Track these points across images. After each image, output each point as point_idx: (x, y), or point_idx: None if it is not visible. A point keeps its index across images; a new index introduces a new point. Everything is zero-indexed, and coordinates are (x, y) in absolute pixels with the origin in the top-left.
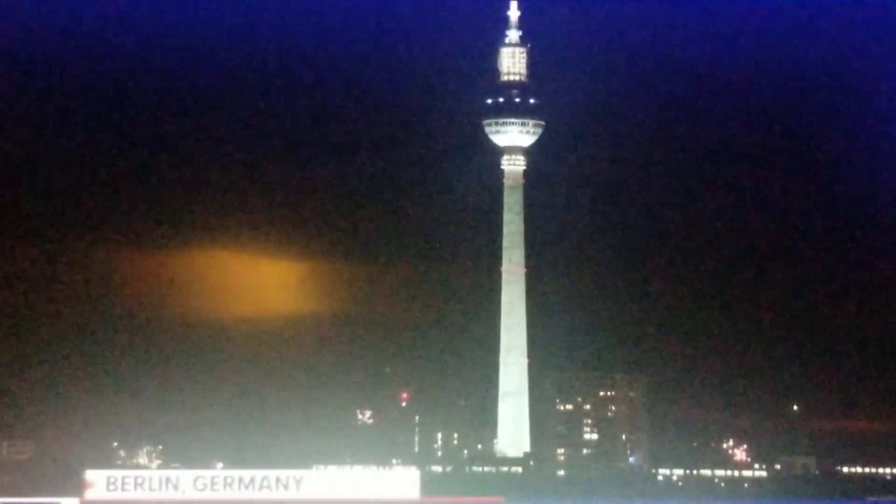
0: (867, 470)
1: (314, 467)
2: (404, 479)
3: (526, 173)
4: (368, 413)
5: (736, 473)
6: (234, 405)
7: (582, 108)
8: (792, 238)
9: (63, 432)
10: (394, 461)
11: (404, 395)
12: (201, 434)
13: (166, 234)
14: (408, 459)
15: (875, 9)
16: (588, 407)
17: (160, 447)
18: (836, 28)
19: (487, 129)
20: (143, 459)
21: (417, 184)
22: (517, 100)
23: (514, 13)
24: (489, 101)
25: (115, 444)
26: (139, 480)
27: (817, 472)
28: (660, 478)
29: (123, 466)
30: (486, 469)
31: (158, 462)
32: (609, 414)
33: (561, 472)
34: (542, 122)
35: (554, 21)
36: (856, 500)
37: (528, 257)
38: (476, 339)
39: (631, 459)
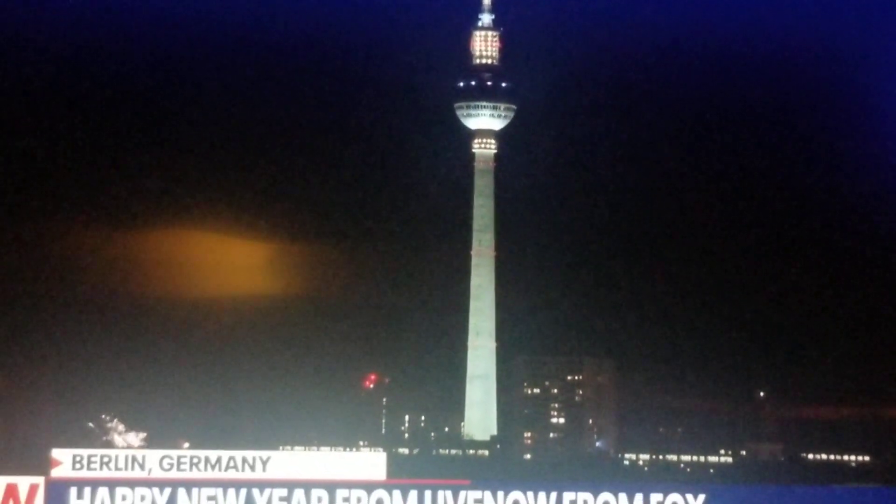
0: (833, 457)
1: (281, 448)
2: (371, 461)
3: (497, 157)
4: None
5: (702, 459)
6: (200, 385)
7: (554, 92)
8: (761, 225)
9: (29, 411)
10: (361, 443)
11: (371, 378)
12: (168, 414)
13: (135, 213)
14: (375, 442)
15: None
16: (555, 391)
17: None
18: (820, 9)
19: (459, 113)
20: (127, 439)
21: (388, 166)
22: (489, 83)
23: None
24: (461, 84)
25: (91, 424)
26: (105, 459)
27: (783, 459)
28: (626, 462)
29: (96, 444)
30: (453, 452)
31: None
32: (576, 398)
33: (527, 456)
34: (514, 106)
35: (526, 5)
36: (821, 487)
37: (497, 241)
38: (444, 321)
39: (598, 444)
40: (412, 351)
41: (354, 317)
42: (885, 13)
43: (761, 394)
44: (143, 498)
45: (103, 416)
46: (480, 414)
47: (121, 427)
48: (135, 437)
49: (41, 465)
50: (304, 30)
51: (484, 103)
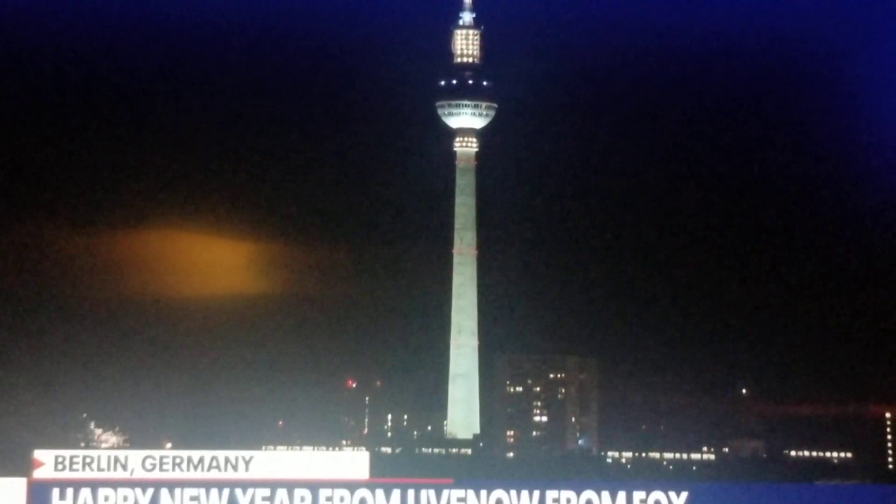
0: (815, 454)
1: (263, 448)
2: (354, 460)
3: (478, 155)
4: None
5: (684, 456)
6: (182, 385)
7: (534, 90)
8: (741, 223)
9: (10, 411)
10: (343, 442)
11: (350, 382)
12: (150, 414)
13: (116, 213)
14: (357, 441)
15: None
16: (538, 389)
17: (115, 427)
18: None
19: (440, 111)
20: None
21: (369, 165)
22: (470, 82)
23: None
24: (442, 83)
25: (64, 423)
26: (87, 460)
27: (765, 456)
28: (609, 460)
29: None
30: (436, 450)
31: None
32: (559, 396)
33: (510, 454)
34: (495, 105)
35: (507, 3)
36: (803, 484)
37: (479, 239)
38: (427, 320)
39: (580, 441)
40: (394, 350)
41: (336, 316)
42: (883, 12)
43: (743, 391)
44: (125, 498)
45: (90, 421)
46: (463, 412)
47: (100, 432)
48: (113, 437)
49: (23, 466)
50: (286, 31)
51: (465, 102)
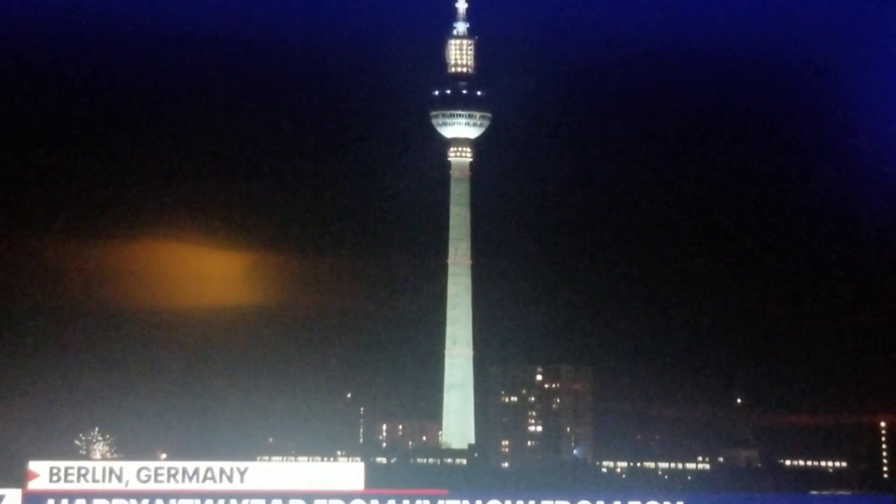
0: (810, 463)
1: (258, 459)
2: (349, 470)
3: (472, 165)
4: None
5: (679, 466)
6: (177, 396)
7: (528, 100)
8: (736, 234)
9: (5, 422)
10: (338, 453)
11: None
12: (145, 425)
13: (111, 224)
14: (352, 451)
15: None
16: (532, 399)
17: (106, 436)
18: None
19: (434, 121)
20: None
21: (364, 175)
22: (464, 92)
23: (461, 5)
24: (436, 93)
25: (58, 434)
26: (82, 471)
27: (760, 465)
28: (604, 470)
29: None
30: (431, 461)
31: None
32: (554, 406)
33: (505, 464)
34: (489, 115)
35: (501, 14)
36: (798, 493)
37: (474, 249)
38: (421, 330)
39: (575, 451)
40: (389, 360)
41: (331, 326)
42: (881, 17)
43: (738, 400)
44: None
45: (82, 436)
46: (458, 422)
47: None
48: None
49: (18, 477)
50: (281, 42)
51: (459, 112)
